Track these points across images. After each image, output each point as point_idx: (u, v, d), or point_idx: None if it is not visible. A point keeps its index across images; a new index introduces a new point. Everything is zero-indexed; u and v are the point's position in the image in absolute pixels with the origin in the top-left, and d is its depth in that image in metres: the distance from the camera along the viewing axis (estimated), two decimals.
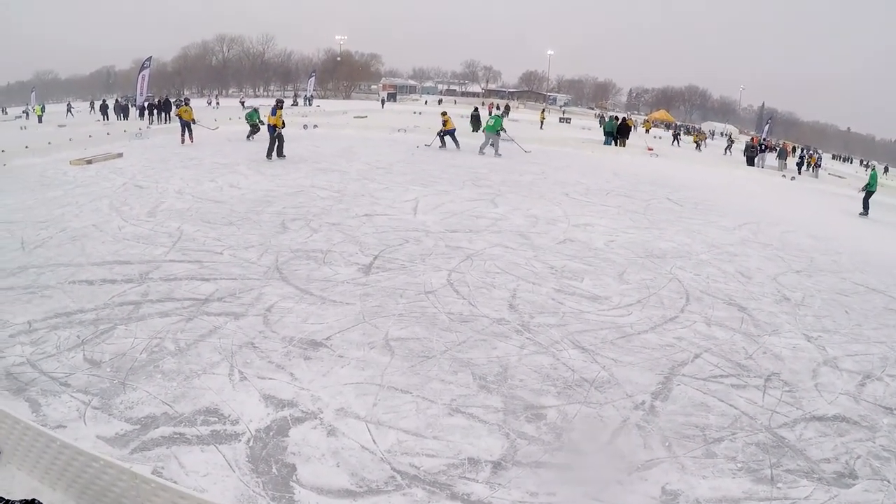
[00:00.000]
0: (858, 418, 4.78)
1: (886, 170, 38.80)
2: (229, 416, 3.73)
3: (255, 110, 21.43)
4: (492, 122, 19.38)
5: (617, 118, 29.98)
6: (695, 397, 4.64)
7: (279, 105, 15.83)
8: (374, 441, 3.60)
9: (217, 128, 22.08)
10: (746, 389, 4.93)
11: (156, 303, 5.41)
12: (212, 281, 6.03)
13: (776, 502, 3.58)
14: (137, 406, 3.79)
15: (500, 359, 4.80)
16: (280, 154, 15.31)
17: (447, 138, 20.17)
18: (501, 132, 19.32)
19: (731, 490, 3.62)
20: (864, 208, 15.86)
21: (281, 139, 15.38)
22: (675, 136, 37.37)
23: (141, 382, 4.06)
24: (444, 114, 20.87)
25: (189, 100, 22.05)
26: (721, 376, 5.07)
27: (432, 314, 5.58)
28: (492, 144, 19.04)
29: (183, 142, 18.35)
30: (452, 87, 74.34)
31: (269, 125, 15.39)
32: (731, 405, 4.61)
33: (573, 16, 67.49)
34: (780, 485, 3.76)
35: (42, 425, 3.24)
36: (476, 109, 30.15)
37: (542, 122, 40.63)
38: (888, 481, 4.04)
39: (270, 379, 4.21)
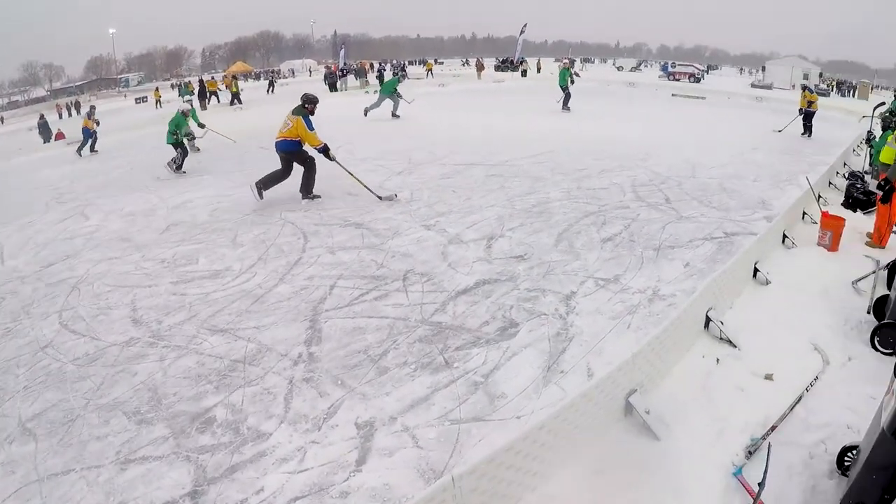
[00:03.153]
0: (497, 275, 5.59)
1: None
2: None
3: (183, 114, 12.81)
4: None
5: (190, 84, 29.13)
6: (346, 326, 4.92)
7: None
8: None
9: None
10: (390, 296, 5.38)
11: None
12: None
13: (459, 381, 4.03)
14: None
15: (146, 382, 4.47)
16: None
17: None
18: None
19: (417, 392, 3.99)
20: None
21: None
22: (271, 84, 38.24)
23: None
24: None
25: None
26: (362, 295, 5.45)
27: (58, 370, 4.87)
28: None
29: None
30: (14, 97, 59.64)
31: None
32: (382, 317, 5.00)
33: None
34: (455, 364, 4.23)
35: None
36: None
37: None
38: (544, 314, 4.82)
39: None
